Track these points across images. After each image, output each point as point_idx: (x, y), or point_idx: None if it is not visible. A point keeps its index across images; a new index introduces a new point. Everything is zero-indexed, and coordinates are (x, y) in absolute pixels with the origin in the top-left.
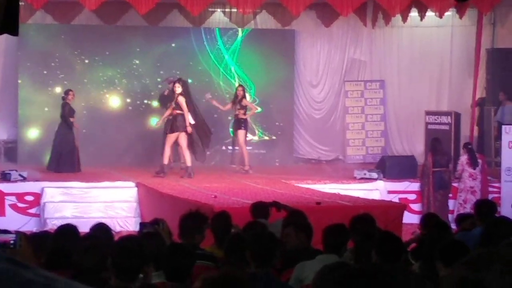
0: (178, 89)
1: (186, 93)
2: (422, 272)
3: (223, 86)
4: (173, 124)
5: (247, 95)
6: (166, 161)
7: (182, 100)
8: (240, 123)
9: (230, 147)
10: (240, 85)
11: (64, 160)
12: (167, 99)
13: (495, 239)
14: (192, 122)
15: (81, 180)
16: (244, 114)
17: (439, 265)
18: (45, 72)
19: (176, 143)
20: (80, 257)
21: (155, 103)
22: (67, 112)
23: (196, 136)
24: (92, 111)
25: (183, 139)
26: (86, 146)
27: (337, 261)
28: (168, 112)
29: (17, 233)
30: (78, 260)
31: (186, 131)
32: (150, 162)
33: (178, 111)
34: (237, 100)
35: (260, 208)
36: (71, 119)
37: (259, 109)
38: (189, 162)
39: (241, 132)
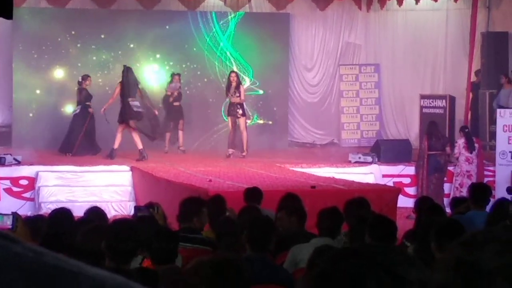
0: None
1: (129, 81)
2: (417, 254)
3: (219, 69)
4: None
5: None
6: (115, 145)
7: (117, 88)
8: (238, 109)
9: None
10: (233, 71)
11: (83, 144)
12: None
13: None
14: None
15: (76, 164)
16: (240, 102)
17: (434, 246)
18: (39, 55)
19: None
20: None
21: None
22: (83, 97)
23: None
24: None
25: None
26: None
27: (325, 244)
28: (110, 100)
29: (13, 214)
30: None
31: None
32: (145, 145)
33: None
34: (232, 86)
35: (254, 193)
36: (87, 103)
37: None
38: (139, 145)
39: (242, 119)
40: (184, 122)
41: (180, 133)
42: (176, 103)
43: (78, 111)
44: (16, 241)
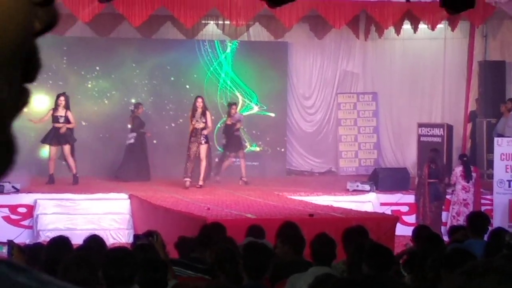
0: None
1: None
2: (414, 284)
3: (219, 97)
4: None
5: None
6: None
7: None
8: (202, 136)
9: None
10: (199, 97)
11: (137, 170)
12: None
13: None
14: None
15: (74, 192)
16: (205, 128)
17: (430, 276)
18: (38, 83)
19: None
20: (70, 271)
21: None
22: (137, 125)
23: None
24: (85, 122)
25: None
26: (79, 157)
27: (326, 273)
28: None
29: (9, 242)
30: (68, 274)
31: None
32: (144, 173)
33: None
34: (198, 112)
35: (257, 231)
36: (141, 130)
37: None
38: (73, 170)
39: (204, 146)
40: (244, 152)
41: (243, 162)
42: (236, 133)
43: (132, 140)
44: (21, 270)
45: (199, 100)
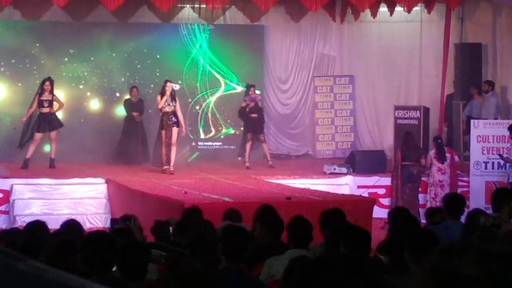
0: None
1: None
2: (392, 266)
3: (199, 80)
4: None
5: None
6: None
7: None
8: (173, 119)
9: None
10: (168, 81)
11: (130, 153)
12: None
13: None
14: None
15: (50, 176)
16: (174, 112)
17: (407, 257)
18: (11, 68)
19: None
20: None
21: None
22: (129, 107)
23: None
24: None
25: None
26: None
27: (302, 255)
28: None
29: None
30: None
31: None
32: (120, 158)
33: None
34: (167, 95)
35: (234, 215)
36: (134, 113)
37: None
38: (52, 154)
39: (176, 130)
40: (264, 136)
41: (264, 146)
42: (253, 115)
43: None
44: (20, 259)
45: (168, 84)
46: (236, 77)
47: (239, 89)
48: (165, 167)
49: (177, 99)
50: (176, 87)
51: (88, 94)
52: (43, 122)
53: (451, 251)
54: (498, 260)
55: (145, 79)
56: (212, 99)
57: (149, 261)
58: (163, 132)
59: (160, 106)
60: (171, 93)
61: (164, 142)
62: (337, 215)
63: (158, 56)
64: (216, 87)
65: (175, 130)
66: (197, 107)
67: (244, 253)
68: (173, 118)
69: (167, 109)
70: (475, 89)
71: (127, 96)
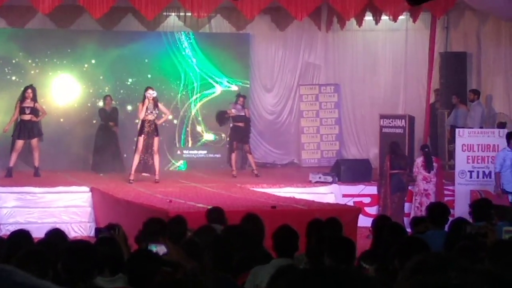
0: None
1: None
2: (378, 274)
3: (180, 89)
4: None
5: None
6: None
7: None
8: (156, 129)
9: (187, 152)
10: (150, 87)
11: (107, 161)
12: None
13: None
14: None
15: (35, 185)
16: (158, 119)
17: (397, 264)
18: None
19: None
20: (21, 266)
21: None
22: (104, 117)
23: None
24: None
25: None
26: (42, 150)
27: (289, 264)
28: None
29: None
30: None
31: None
32: (105, 166)
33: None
34: (149, 103)
35: (216, 214)
36: (110, 123)
37: (171, 116)
38: (36, 162)
39: (157, 139)
40: (249, 146)
41: (249, 156)
42: (239, 124)
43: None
44: (17, 272)
45: (150, 91)
46: (227, 77)
47: (235, 88)
48: (132, 176)
49: (159, 104)
50: (154, 94)
51: (73, 102)
52: (24, 129)
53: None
54: None
55: (130, 88)
56: (197, 106)
57: (157, 271)
58: (140, 138)
59: (141, 117)
60: (153, 100)
61: (138, 149)
62: (325, 224)
63: (143, 65)
64: (202, 94)
65: (156, 139)
66: (178, 114)
67: (231, 262)
68: (154, 126)
69: (149, 117)
70: (457, 98)
71: (101, 104)
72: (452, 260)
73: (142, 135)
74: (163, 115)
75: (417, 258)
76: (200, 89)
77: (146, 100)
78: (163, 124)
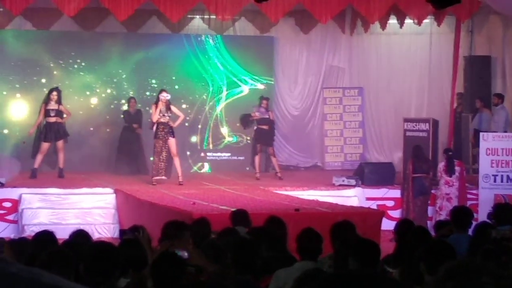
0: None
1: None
2: (402, 278)
3: (207, 91)
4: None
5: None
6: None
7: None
8: (170, 131)
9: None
10: (164, 90)
11: (131, 163)
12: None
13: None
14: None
15: (59, 186)
16: (172, 121)
17: (422, 267)
18: (23, 77)
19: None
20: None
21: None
22: (128, 119)
23: None
24: (71, 117)
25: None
26: (66, 152)
27: (315, 268)
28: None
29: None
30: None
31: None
32: (129, 168)
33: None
34: (163, 105)
35: (241, 216)
36: (134, 125)
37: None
38: (61, 164)
39: (173, 141)
40: (273, 149)
41: (273, 159)
42: (264, 126)
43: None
44: (11, 263)
45: (164, 93)
46: (247, 83)
47: (261, 86)
48: (155, 178)
49: (172, 106)
50: (168, 96)
51: (97, 104)
52: (50, 131)
53: (464, 273)
54: None
55: (154, 90)
56: (221, 106)
57: (182, 274)
58: (158, 141)
59: (155, 119)
60: (166, 102)
61: (157, 152)
62: (346, 227)
63: (167, 67)
64: (228, 93)
65: (172, 141)
66: (202, 116)
67: (254, 265)
68: (169, 129)
69: (162, 119)
70: (481, 102)
71: (125, 107)
72: (485, 266)
73: (159, 138)
74: (178, 118)
75: (451, 264)
76: (227, 88)
77: (160, 103)
78: (184, 124)
